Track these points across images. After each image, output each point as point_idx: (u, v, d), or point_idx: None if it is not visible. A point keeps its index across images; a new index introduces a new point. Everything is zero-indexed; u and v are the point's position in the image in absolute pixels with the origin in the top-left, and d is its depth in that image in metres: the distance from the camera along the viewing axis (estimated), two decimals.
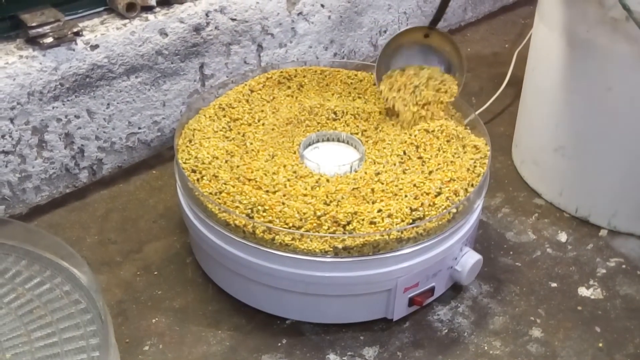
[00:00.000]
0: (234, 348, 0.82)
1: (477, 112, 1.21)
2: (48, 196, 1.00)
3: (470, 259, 0.86)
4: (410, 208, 0.79)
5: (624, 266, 0.95)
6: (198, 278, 0.91)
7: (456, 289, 0.90)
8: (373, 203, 0.80)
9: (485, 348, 0.83)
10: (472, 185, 0.83)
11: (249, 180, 0.82)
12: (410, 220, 0.78)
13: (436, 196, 0.80)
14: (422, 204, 0.79)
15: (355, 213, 0.77)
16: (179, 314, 0.86)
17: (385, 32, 1.38)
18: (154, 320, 0.85)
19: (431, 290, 0.85)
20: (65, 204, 1.02)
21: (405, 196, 0.80)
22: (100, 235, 0.98)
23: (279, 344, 0.83)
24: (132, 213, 1.02)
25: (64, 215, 1.01)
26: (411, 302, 0.83)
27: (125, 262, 0.93)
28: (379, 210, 0.78)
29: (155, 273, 0.92)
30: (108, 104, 1.00)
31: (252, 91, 1.00)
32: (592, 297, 0.90)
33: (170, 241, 0.97)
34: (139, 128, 1.06)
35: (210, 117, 0.94)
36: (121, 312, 0.86)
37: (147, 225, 1.00)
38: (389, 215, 0.78)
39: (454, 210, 0.80)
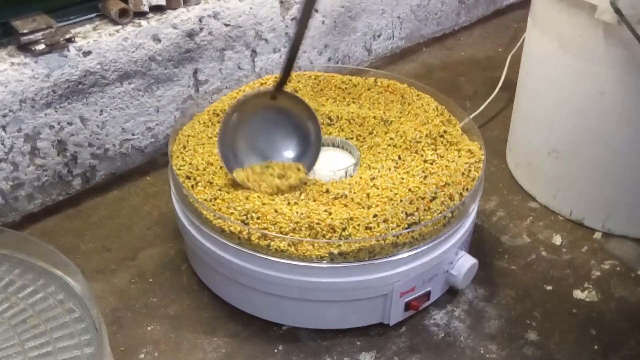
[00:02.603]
0: (230, 355, 0.82)
1: (471, 116, 1.22)
2: (41, 204, 0.99)
3: (466, 262, 0.86)
4: (406, 213, 0.78)
5: (618, 268, 0.95)
6: (193, 285, 0.91)
7: (452, 293, 0.90)
8: (368, 208, 0.80)
9: (482, 352, 0.83)
10: (467, 189, 0.84)
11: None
12: (406, 225, 0.78)
13: (431, 201, 0.80)
14: (417, 209, 0.79)
15: (351, 218, 0.77)
16: (174, 321, 0.86)
17: (379, 36, 1.38)
18: (149, 328, 0.85)
19: (427, 295, 0.84)
20: (58, 212, 1.01)
21: (401, 201, 0.80)
22: (94, 243, 0.97)
23: (276, 350, 0.82)
24: (127, 220, 1.01)
25: (58, 223, 1.00)
26: (407, 306, 0.83)
27: (119, 270, 0.93)
28: (375, 216, 0.78)
29: (150, 280, 0.91)
30: (101, 111, 0.99)
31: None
32: (587, 299, 0.90)
33: (165, 248, 0.96)
34: (133, 134, 1.05)
35: (204, 123, 0.94)
36: (116, 320, 0.86)
37: (141, 232, 0.99)
38: (385, 220, 0.77)
39: (449, 215, 0.80)
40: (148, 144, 1.08)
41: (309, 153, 0.89)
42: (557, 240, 1.00)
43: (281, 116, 0.89)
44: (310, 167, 0.87)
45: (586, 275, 0.94)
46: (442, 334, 0.85)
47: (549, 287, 0.92)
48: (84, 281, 0.69)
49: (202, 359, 0.81)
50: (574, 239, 1.00)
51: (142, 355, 0.81)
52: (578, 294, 0.91)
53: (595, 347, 0.84)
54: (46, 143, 0.95)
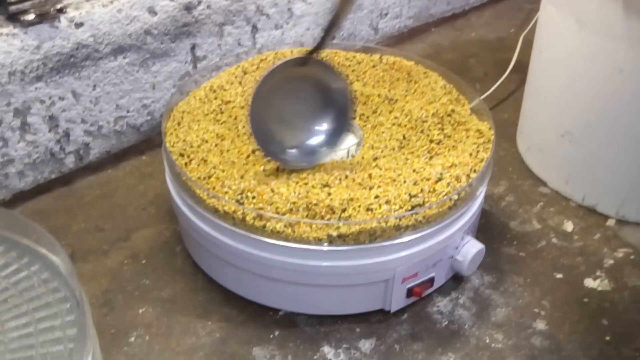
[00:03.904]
0: (224, 340, 0.78)
1: (481, 98, 1.17)
2: (33, 182, 0.96)
3: (472, 248, 0.82)
4: (409, 194, 0.74)
5: (632, 257, 0.91)
6: (188, 267, 0.87)
7: (457, 279, 0.86)
8: (370, 189, 0.76)
9: (487, 341, 0.79)
10: (475, 170, 0.79)
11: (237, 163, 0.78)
12: (409, 207, 0.74)
13: (436, 182, 0.76)
14: (421, 190, 0.75)
15: (351, 199, 0.73)
16: (167, 304, 0.82)
17: (386, 15, 1.33)
18: (140, 311, 0.81)
19: (431, 281, 0.81)
20: (50, 190, 0.98)
21: (404, 182, 0.76)
22: (87, 223, 0.94)
23: (271, 336, 0.79)
24: (121, 200, 0.98)
25: (50, 202, 0.97)
26: (410, 293, 0.79)
27: (112, 251, 0.89)
28: (376, 197, 0.74)
29: (143, 262, 0.88)
30: (94, 86, 0.95)
31: (245, 73, 0.96)
32: (599, 288, 0.86)
33: (160, 229, 0.93)
34: (128, 111, 1.01)
35: (200, 99, 0.90)
36: (107, 302, 0.82)
37: (135, 213, 0.96)
38: (387, 202, 0.73)
39: (455, 197, 0.76)
40: (144, 121, 1.04)
41: (339, 127, 0.81)
42: (569, 226, 0.96)
43: (309, 82, 0.80)
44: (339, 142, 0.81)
45: (598, 263, 0.90)
46: (446, 322, 0.81)
47: (559, 275, 0.88)
48: (68, 259, 0.65)
49: (195, 344, 0.78)
50: (586, 226, 0.96)
51: (132, 339, 0.78)
52: (590, 282, 0.87)
53: (607, 338, 0.80)
54: (37, 118, 0.91)
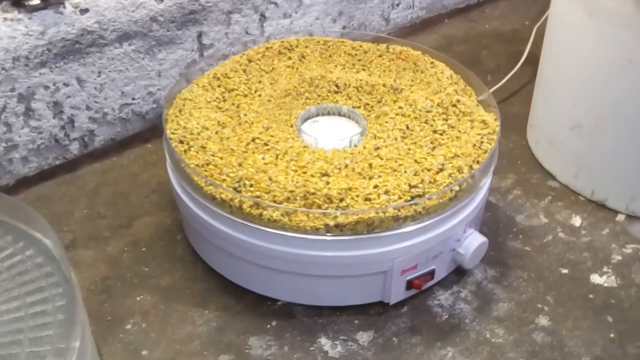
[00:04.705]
0: (221, 329, 0.78)
1: (491, 90, 1.15)
2: (37, 167, 0.96)
3: (475, 241, 0.80)
4: (409, 184, 0.73)
5: None
6: (188, 256, 0.87)
7: (460, 273, 0.85)
8: (370, 179, 0.74)
9: (487, 335, 0.77)
10: (478, 162, 0.78)
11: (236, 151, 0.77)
12: (409, 198, 0.72)
13: (438, 172, 0.75)
14: (422, 181, 0.74)
15: (350, 189, 0.72)
16: (165, 292, 0.82)
17: (398, 5, 1.32)
18: (138, 298, 0.81)
19: (431, 274, 0.79)
20: (54, 177, 0.98)
21: (405, 172, 0.75)
22: (90, 210, 0.94)
23: (268, 326, 0.78)
24: (124, 187, 0.98)
25: (53, 188, 0.97)
26: (409, 285, 0.78)
27: (113, 238, 0.89)
28: (375, 186, 0.73)
29: (144, 249, 0.88)
30: (99, 72, 0.95)
31: (250, 61, 0.95)
32: (606, 285, 0.84)
33: (162, 217, 0.93)
34: (133, 99, 1.01)
35: (203, 86, 0.89)
36: (105, 288, 0.82)
37: (138, 200, 0.95)
38: (386, 192, 0.72)
39: (457, 188, 0.75)
40: (149, 109, 1.04)
41: None
42: (577, 221, 0.94)
43: None
44: None
45: (606, 259, 0.88)
46: (446, 316, 0.80)
47: (565, 271, 0.86)
48: (60, 244, 0.65)
49: (191, 332, 0.77)
50: (595, 221, 0.94)
51: (129, 326, 0.78)
52: (596, 278, 0.85)
53: (611, 335, 0.78)
54: (41, 104, 0.92)
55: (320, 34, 1.16)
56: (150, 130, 1.06)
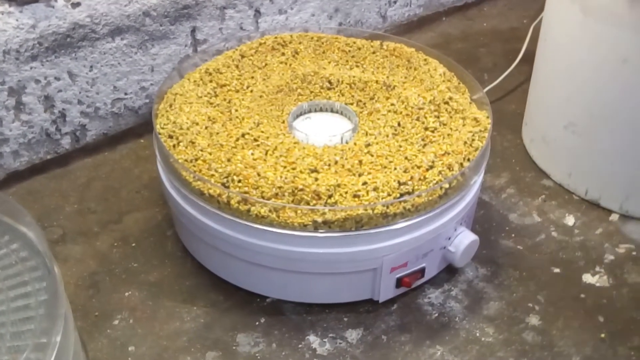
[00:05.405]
0: (209, 325, 0.77)
1: (487, 88, 1.15)
2: (27, 162, 0.96)
3: (465, 239, 0.79)
4: (399, 181, 0.73)
5: (634, 253, 0.88)
6: (177, 252, 0.86)
7: (451, 271, 0.84)
8: (359, 175, 0.74)
9: (477, 334, 0.77)
10: (468, 159, 0.77)
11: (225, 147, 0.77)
12: (398, 195, 0.72)
13: (428, 170, 0.74)
14: (411, 178, 0.73)
15: (338, 185, 0.72)
16: (153, 288, 0.81)
17: (395, 2, 1.31)
18: (126, 294, 0.81)
19: (421, 271, 0.79)
20: (45, 171, 0.98)
21: (395, 169, 0.74)
22: (80, 204, 0.93)
23: (257, 323, 0.78)
24: (115, 182, 0.97)
25: (44, 183, 0.96)
26: (399, 283, 0.78)
27: (102, 233, 0.89)
28: (364, 183, 0.72)
29: (133, 245, 0.87)
30: (91, 67, 0.95)
31: (242, 56, 0.95)
32: (598, 284, 0.83)
33: (152, 213, 0.92)
34: (125, 94, 1.01)
35: (195, 81, 0.89)
36: (93, 284, 0.82)
37: (129, 196, 0.95)
38: (375, 189, 0.72)
39: (447, 186, 0.74)
40: (142, 104, 1.04)
41: None
42: (570, 220, 0.93)
43: None
44: None
45: (598, 259, 0.87)
46: (436, 314, 0.79)
47: (557, 270, 0.85)
48: (44, 239, 0.65)
49: (179, 329, 0.77)
50: (588, 220, 0.93)
51: (116, 322, 0.77)
52: (588, 278, 0.84)
53: (602, 335, 0.77)
54: (32, 98, 0.91)
55: (315, 30, 1.16)
56: (143, 125, 1.06)
